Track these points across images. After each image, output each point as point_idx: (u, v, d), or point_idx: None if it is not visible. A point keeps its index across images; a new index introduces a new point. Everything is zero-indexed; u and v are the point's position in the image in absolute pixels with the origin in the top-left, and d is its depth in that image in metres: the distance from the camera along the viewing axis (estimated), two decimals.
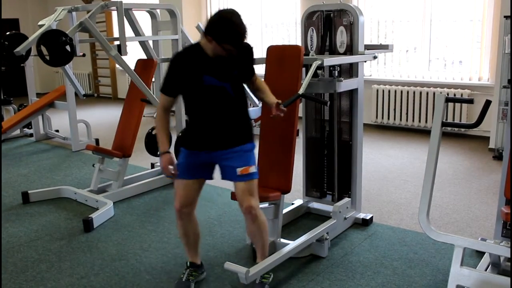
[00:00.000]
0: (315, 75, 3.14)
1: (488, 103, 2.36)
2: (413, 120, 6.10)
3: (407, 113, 6.13)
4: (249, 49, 2.47)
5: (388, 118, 6.29)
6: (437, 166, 2.44)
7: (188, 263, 2.67)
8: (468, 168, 4.65)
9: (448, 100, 2.44)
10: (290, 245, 2.69)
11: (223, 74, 2.37)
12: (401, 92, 6.12)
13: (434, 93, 5.87)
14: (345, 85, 3.08)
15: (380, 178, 4.39)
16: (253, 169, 2.47)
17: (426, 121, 6.00)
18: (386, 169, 4.66)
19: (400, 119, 6.20)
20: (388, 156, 5.12)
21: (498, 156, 4.88)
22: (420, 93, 5.98)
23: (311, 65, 2.81)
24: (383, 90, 6.27)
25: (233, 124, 2.46)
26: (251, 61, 2.52)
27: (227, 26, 2.23)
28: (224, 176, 2.53)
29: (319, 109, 3.39)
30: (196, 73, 2.35)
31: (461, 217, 3.49)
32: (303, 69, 2.92)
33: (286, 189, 2.83)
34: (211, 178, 2.56)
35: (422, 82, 6.02)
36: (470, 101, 2.44)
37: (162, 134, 2.48)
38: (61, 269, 2.84)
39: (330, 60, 2.87)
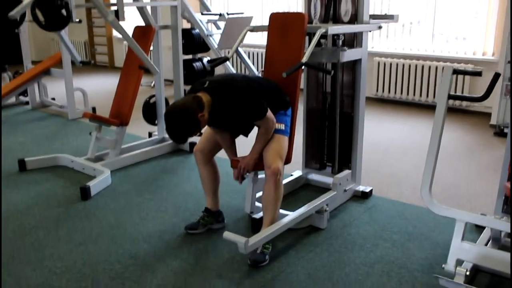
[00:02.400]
0: (318, 44, 3.05)
1: (497, 76, 2.31)
2: (414, 94, 6.03)
3: (408, 87, 6.06)
4: (239, 106, 2.43)
5: (389, 92, 6.22)
6: (441, 139, 2.40)
7: (204, 208, 2.84)
8: (468, 144, 4.62)
9: (455, 72, 2.38)
10: (290, 216, 2.67)
11: (229, 130, 2.69)
12: (403, 65, 6.03)
13: (436, 67, 5.78)
14: (349, 55, 3.00)
15: (380, 151, 4.36)
16: (281, 126, 2.58)
17: (427, 96, 5.93)
18: (386, 142, 4.63)
19: (401, 93, 6.13)
20: (388, 129, 5.09)
21: (499, 133, 4.85)
22: (423, 66, 5.89)
23: (314, 34, 2.73)
24: (384, 63, 6.17)
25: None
26: (242, 114, 2.49)
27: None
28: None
29: (321, 80, 3.33)
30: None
31: (461, 192, 3.48)
32: (306, 37, 2.84)
33: None
34: (246, 135, 2.77)
35: (425, 55, 5.93)
36: (478, 74, 2.38)
37: (228, 153, 2.77)
38: (58, 236, 2.83)
39: (334, 29, 2.79)
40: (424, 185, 2.38)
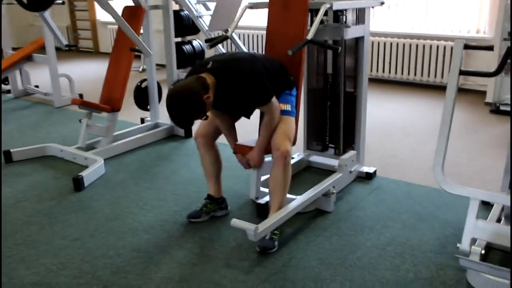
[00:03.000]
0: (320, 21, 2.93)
1: (509, 50, 2.21)
2: (408, 74, 5.95)
3: (402, 66, 5.97)
4: (242, 85, 2.30)
5: (383, 71, 6.13)
6: (453, 116, 2.31)
7: (206, 195, 2.74)
8: (465, 122, 4.56)
9: (466, 46, 2.28)
10: (298, 199, 2.57)
11: (231, 113, 2.57)
12: (397, 44, 5.93)
13: (431, 46, 5.70)
14: (352, 32, 2.90)
15: (380, 131, 4.27)
16: (287, 107, 2.48)
17: (422, 75, 5.86)
18: (385, 122, 4.55)
19: (396, 72, 6.04)
20: (386, 109, 5.00)
21: (496, 110, 4.81)
22: (417, 45, 5.80)
23: (317, 10, 2.60)
24: (378, 43, 6.06)
25: None
26: (247, 99, 2.37)
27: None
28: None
29: (322, 59, 3.20)
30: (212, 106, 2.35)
31: (462, 170, 3.42)
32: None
33: None
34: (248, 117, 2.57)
35: (419, 34, 5.83)
36: (490, 48, 2.29)
37: (228, 138, 2.65)
38: (52, 231, 2.68)
39: (339, 4, 2.67)
40: (437, 164, 2.29)
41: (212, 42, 2.69)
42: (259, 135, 2.53)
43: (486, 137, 4.11)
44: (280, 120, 2.46)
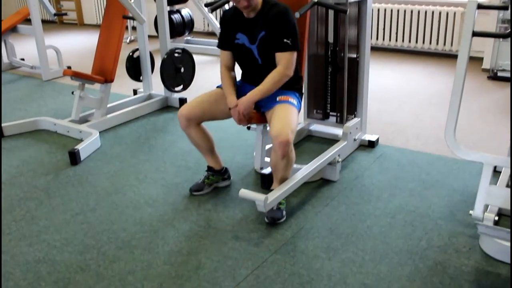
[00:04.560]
0: None
1: None
2: (403, 41, 5.85)
3: (396, 33, 5.86)
4: (281, 13, 2.24)
5: (377, 39, 6.02)
6: (465, 80, 2.24)
7: (207, 167, 2.67)
8: (464, 89, 4.47)
9: (480, 6, 2.20)
10: (304, 169, 2.51)
11: (251, 34, 2.35)
12: (391, 10, 5.81)
13: (426, 12, 5.59)
14: None
15: (377, 99, 4.21)
16: (293, 101, 2.37)
17: (416, 42, 5.76)
18: (383, 90, 4.48)
19: (390, 39, 5.94)
20: (382, 77, 4.93)
21: (493, 77, 4.77)
22: (411, 11, 5.68)
23: None
24: (372, 9, 5.92)
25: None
26: (281, 27, 2.25)
27: None
28: (263, 107, 2.43)
29: (323, 27, 3.08)
30: (233, 29, 2.40)
31: (465, 137, 3.38)
32: None
33: None
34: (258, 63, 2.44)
35: (414, 0, 5.71)
36: (505, 8, 2.21)
37: (227, 90, 2.42)
38: (52, 206, 2.59)
39: None
40: (449, 131, 2.23)
41: (213, 5, 2.56)
42: (258, 86, 2.35)
43: (486, 104, 4.07)
44: (284, 107, 2.32)
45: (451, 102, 2.24)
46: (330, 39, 3.02)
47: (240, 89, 2.48)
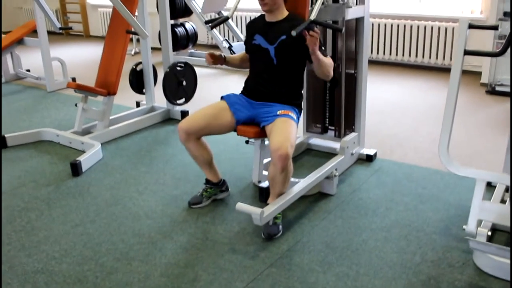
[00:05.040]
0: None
1: None
2: (403, 55, 5.91)
3: (397, 48, 5.92)
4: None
5: (377, 53, 6.08)
6: (457, 96, 2.28)
7: (205, 179, 2.70)
8: (462, 103, 4.55)
9: (471, 26, 2.25)
10: (301, 183, 2.55)
11: (271, 36, 2.47)
12: (391, 25, 5.88)
13: (425, 27, 5.65)
14: (353, 12, 2.84)
15: (377, 113, 4.25)
16: (293, 115, 2.43)
17: (416, 56, 5.82)
18: (382, 104, 4.52)
19: (390, 54, 6.00)
20: (382, 91, 4.97)
21: (491, 91, 4.80)
22: (411, 26, 5.75)
23: None
24: (372, 24, 6.00)
25: (274, 89, 2.51)
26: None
27: None
28: (263, 122, 2.46)
29: (322, 40, 3.14)
30: (253, 32, 2.55)
31: (462, 151, 3.41)
32: None
33: None
34: (235, 127, 2.55)
35: (413, 15, 5.78)
36: (494, 28, 2.26)
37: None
38: (52, 217, 2.63)
39: None
40: (442, 145, 2.27)
41: (213, 23, 2.62)
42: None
43: (484, 118, 4.10)
44: (283, 122, 2.38)
45: (444, 117, 2.28)
46: (329, 53, 3.08)
47: (240, 103, 2.54)
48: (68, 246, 2.34)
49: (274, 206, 2.29)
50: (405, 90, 5.00)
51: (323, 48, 2.44)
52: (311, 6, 2.64)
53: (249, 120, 2.52)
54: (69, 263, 2.21)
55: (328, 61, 2.44)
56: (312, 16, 2.37)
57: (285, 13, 2.52)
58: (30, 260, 2.24)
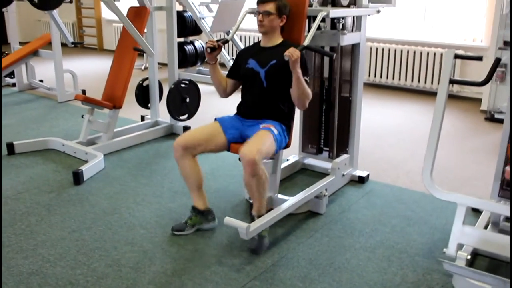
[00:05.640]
0: (317, 27, 3.00)
1: (497, 61, 2.28)
2: (405, 79, 6.02)
3: (400, 72, 6.04)
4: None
5: (381, 77, 6.20)
6: (442, 123, 2.37)
7: (191, 207, 2.66)
8: (460, 129, 4.63)
9: (457, 56, 2.35)
10: (290, 201, 2.64)
11: (263, 60, 2.61)
12: (395, 50, 6.01)
13: (428, 53, 5.77)
14: (348, 38, 2.96)
15: (374, 136, 4.34)
16: (274, 130, 2.52)
17: (418, 81, 5.93)
18: (380, 127, 4.62)
19: (393, 78, 6.11)
20: (382, 114, 5.07)
21: (490, 118, 4.87)
22: (414, 52, 5.87)
23: (315, 17, 2.68)
24: (376, 48, 6.13)
25: (264, 110, 2.63)
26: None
27: None
28: (249, 136, 2.55)
29: (319, 64, 3.27)
30: (246, 57, 2.69)
31: (454, 176, 3.48)
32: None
33: None
34: (228, 146, 2.63)
35: (416, 41, 5.91)
36: (479, 58, 2.36)
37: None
38: (51, 222, 2.75)
39: (335, 12, 2.74)
40: (426, 170, 2.36)
41: (211, 47, 2.75)
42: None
43: (480, 144, 4.17)
44: (260, 133, 2.49)
45: (429, 143, 2.37)
46: (325, 75, 3.21)
47: (232, 123, 2.65)
48: (63, 251, 2.45)
49: (260, 222, 2.38)
50: (403, 114, 5.10)
51: (306, 78, 2.52)
52: (308, 32, 2.77)
53: (239, 137, 2.63)
54: (63, 266, 2.32)
55: (307, 89, 2.52)
56: (306, 42, 2.50)
57: (280, 39, 2.65)
58: (26, 262, 2.35)
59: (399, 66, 6.02)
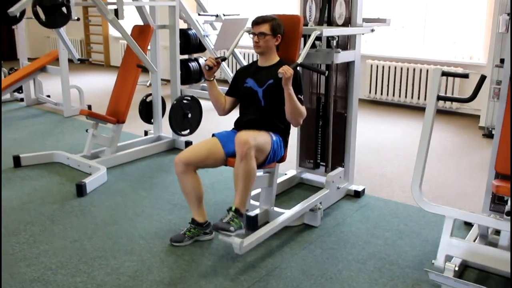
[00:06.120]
0: (313, 45, 3.11)
1: (483, 78, 2.37)
2: (405, 96, 6.12)
3: (400, 89, 6.15)
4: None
5: (381, 94, 6.30)
6: (431, 138, 2.46)
7: (191, 219, 2.74)
8: (458, 145, 4.70)
9: (444, 74, 2.45)
10: (284, 214, 2.72)
11: (261, 80, 2.72)
12: (395, 68, 6.12)
13: (427, 70, 5.88)
14: (343, 56, 3.07)
15: (372, 152, 4.42)
16: (273, 136, 2.65)
17: (418, 98, 6.03)
18: (378, 143, 4.70)
19: (393, 95, 6.22)
20: (380, 130, 5.16)
21: (488, 134, 4.94)
22: (414, 69, 5.99)
23: (309, 36, 2.79)
24: (377, 66, 6.25)
25: (260, 127, 2.70)
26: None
27: None
28: None
29: (315, 81, 3.39)
30: (245, 76, 2.80)
31: (450, 191, 3.55)
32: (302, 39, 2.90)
33: None
34: (226, 161, 2.70)
35: (416, 59, 6.03)
36: (465, 76, 2.46)
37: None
38: (54, 232, 2.85)
39: (329, 31, 2.86)
40: (414, 183, 2.44)
41: (210, 65, 2.87)
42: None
43: (477, 161, 4.24)
44: (259, 132, 2.61)
45: (417, 157, 2.45)
46: (322, 91, 3.31)
47: (229, 138, 2.75)
48: (65, 259, 2.54)
49: (254, 237, 2.47)
50: (401, 130, 5.18)
51: (300, 96, 2.63)
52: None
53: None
54: (64, 274, 2.41)
55: (301, 107, 2.62)
56: (299, 60, 2.61)
57: (276, 58, 2.76)
58: (29, 269, 2.44)
59: (399, 83, 6.13)
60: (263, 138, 2.58)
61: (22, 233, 2.83)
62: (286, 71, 2.47)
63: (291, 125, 2.79)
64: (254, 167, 2.48)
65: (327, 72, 2.80)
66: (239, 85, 2.83)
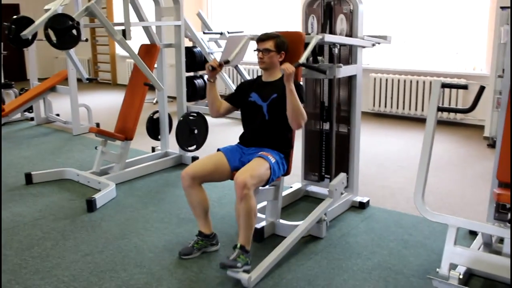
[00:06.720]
0: (315, 61, 3.21)
1: (482, 88, 2.44)
2: (409, 109, 6.19)
3: (403, 102, 6.22)
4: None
5: (385, 106, 6.37)
6: (432, 148, 2.52)
7: (197, 231, 2.81)
8: (462, 155, 4.74)
9: (444, 85, 2.52)
10: (289, 238, 2.76)
11: (264, 94, 2.80)
12: (398, 80, 6.20)
13: (430, 82, 5.95)
14: (344, 71, 3.15)
15: (376, 164, 4.47)
16: (272, 158, 2.67)
17: (422, 110, 6.09)
18: (382, 155, 4.75)
19: (397, 107, 6.28)
20: (384, 143, 5.21)
21: (492, 144, 4.97)
22: (417, 82, 6.06)
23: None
24: (380, 79, 6.34)
25: (265, 139, 2.78)
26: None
27: None
28: (248, 162, 2.70)
29: (319, 94, 3.46)
30: (248, 91, 2.87)
31: (454, 201, 3.58)
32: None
33: None
34: (231, 175, 2.74)
35: (419, 71, 6.11)
36: (464, 87, 2.53)
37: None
38: (65, 246, 2.92)
39: (330, 37, 2.96)
40: (417, 192, 2.49)
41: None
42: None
43: (481, 170, 4.27)
44: (256, 160, 2.63)
45: (419, 167, 2.51)
46: (326, 102, 3.39)
47: (234, 152, 2.82)
48: (77, 272, 2.61)
49: (260, 270, 2.50)
50: (405, 142, 5.23)
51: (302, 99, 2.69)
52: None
53: (241, 165, 2.76)
54: (76, 287, 2.47)
55: (301, 106, 2.65)
56: (301, 60, 2.69)
57: (279, 74, 2.83)
58: (42, 282, 2.51)
59: (403, 95, 6.20)
60: (260, 170, 2.59)
61: (35, 248, 2.90)
62: (288, 67, 2.56)
63: (294, 131, 2.85)
64: (254, 206, 2.55)
65: (327, 71, 2.89)
66: (242, 98, 2.90)
